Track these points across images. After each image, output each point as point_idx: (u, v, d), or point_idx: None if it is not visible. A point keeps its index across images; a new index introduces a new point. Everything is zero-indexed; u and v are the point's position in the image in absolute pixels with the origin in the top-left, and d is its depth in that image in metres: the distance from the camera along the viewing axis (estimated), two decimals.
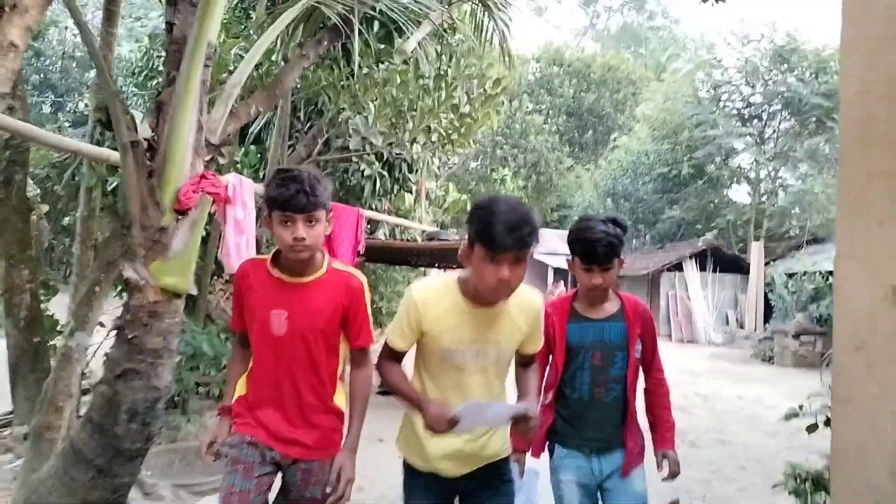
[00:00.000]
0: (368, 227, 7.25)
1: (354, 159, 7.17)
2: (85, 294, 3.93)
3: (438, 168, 10.67)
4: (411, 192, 9.44)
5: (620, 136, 21.31)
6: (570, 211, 25.16)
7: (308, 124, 7.72)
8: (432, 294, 1.95)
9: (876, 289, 2.16)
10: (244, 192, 3.85)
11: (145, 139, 2.95)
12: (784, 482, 3.44)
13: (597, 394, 2.41)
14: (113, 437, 2.91)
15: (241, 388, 2.22)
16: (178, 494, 4.37)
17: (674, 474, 2.41)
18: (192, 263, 3.08)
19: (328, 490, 2.04)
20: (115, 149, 3.17)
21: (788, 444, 6.48)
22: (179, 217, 2.97)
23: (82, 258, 4.23)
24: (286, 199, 1.96)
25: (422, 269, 10.26)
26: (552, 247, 24.39)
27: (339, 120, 6.61)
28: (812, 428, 3.33)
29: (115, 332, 3.00)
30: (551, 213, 22.18)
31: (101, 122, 4.04)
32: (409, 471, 2.09)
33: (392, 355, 2.04)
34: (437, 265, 9.25)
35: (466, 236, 1.89)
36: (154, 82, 7.02)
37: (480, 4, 5.80)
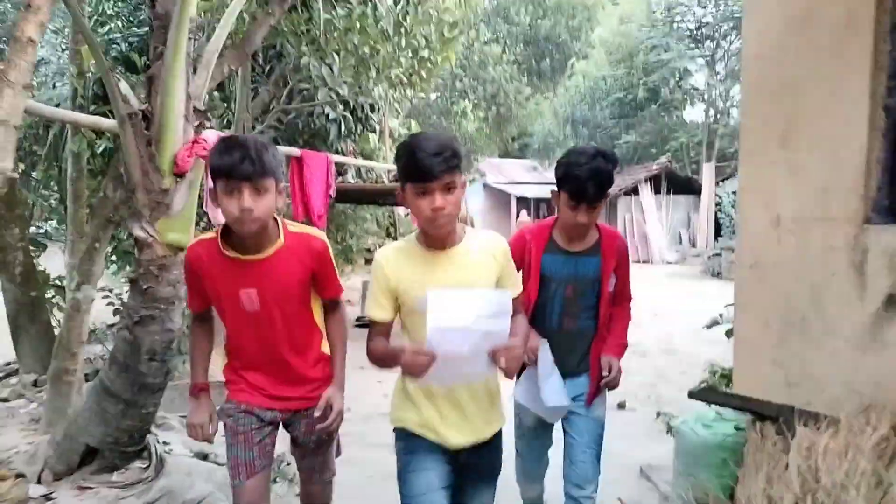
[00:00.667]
0: (336, 169, 7.57)
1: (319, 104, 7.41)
2: (86, 251, 4.26)
3: (399, 105, 10.88)
4: (375, 132, 9.71)
5: (577, 62, 21.49)
6: (531, 139, 25.50)
7: (269, 68, 7.86)
8: (393, 252, 1.92)
9: (766, 216, 2.71)
10: (208, 140, 4.18)
11: (140, 110, 3.25)
12: (706, 378, 4.12)
13: (566, 323, 2.42)
14: (137, 375, 3.36)
15: (226, 357, 2.19)
16: (184, 424, 4.89)
17: (613, 384, 2.38)
18: (192, 220, 3.45)
19: (317, 417, 2.04)
20: (103, 115, 3.45)
21: (724, 348, 7.30)
22: (178, 179, 3.33)
23: (76, 217, 4.52)
24: (230, 167, 1.83)
25: (389, 206, 10.64)
26: (513, 176, 24.89)
27: (301, 65, 6.81)
28: (729, 333, 3.96)
29: (130, 283, 3.40)
30: (512, 143, 22.53)
31: (97, 94, 4.24)
32: (405, 437, 1.98)
33: (376, 332, 1.95)
34: (396, 202, 9.67)
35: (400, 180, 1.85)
36: (105, 28, 6.99)
37: None
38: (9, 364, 6.18)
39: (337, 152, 8.08)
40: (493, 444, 2.02)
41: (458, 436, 1.91)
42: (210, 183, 4.04)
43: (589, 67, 22.20)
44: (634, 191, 20.16)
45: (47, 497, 3.15)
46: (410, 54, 6.31)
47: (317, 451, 2.27)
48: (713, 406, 2.92)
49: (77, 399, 4.32)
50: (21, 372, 5.67)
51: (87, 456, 3.47)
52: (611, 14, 22.58)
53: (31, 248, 5.74)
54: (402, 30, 6.01)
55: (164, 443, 3.73)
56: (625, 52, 21.21)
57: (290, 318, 2.08)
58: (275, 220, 2.04)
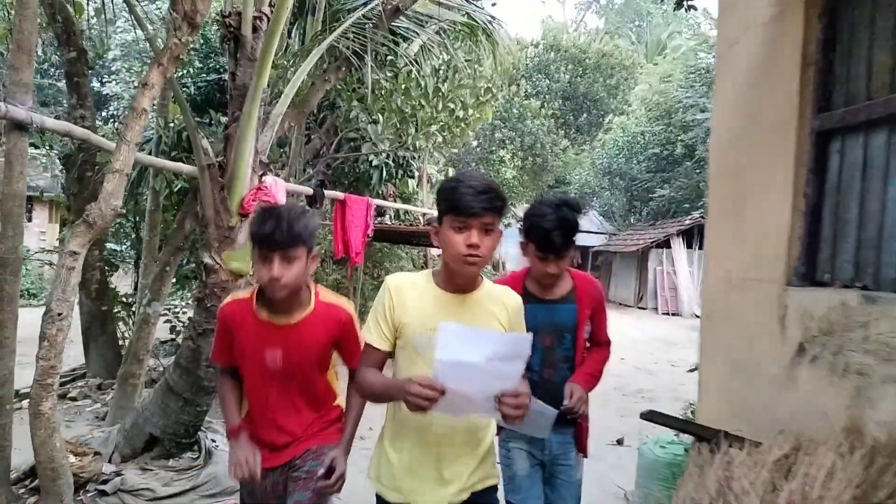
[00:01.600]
0: (376, 211, 8.32)
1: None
2: (158, 273, 5.03)
3: (439, 152, 11.69)
4: (413, 178, 10.49)
5: (613, 118, 22.18)
6: (568, 188, 26.13)
7: (321, 117, 8.75)
8: (406, 281, 1.88)
9: (720, 275, 3.26)
10: (279, 190, 4.92)
11: (217, 161, 4.02)
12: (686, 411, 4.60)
13: (546, 374, 2.40)
14: (196, 378, 4.04)
15: (243, 410, 2.21)
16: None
17: (575, 412, 2.30)
18: (250, 253, 4.17)
19: (320, 475, 2.02)
20: (180, 160, 4.21)
21: None
22: (242, 218, 4.06)
23: (150, 243, 5.31)
24: (263, 236, 1.93)
25: (423, 247, 11.35)
26: None
27: (350, 118, 7.65)
28: (693, 370, 4.45)
29: (196, 301, 4.12)
30: (548, 191, 23.16)
31: (182, 146, 5.08)
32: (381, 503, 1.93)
33: (370, 360, 1.88)
34: (432, 243, 10.37)
35: (437, 215, 1.82)
36: (178, 73, 7.99)
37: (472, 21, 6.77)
38: (74, 370, 6.98)
39: (378, 195, 8.85)
40: None
41: (430, 495, 1.82)
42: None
43: (628, 122, 22.86)
44: (666, 244, 20.46)
45: (117, 473, 3.81)
46: (447, 115, 7.07)
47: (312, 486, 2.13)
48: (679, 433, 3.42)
49: (137, 400, 5.04)
50: (88, 376, 6.46)
51: (149, 444, 4.14)
52: (651, 73, 23.28)
53: (106, 267, 6.59)
54: (440, 94, 6.77)
55: (212, 440, 4.37)
56: (663, 110, 21.79)
57: (307, 378, 2.14)
58: (307, 286, 2.10)
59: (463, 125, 7.21)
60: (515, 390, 1.60)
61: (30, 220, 16.73)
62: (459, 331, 1.57)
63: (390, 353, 1.87)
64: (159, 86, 3.28)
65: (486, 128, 16.09)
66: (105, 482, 3.69)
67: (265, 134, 4.31)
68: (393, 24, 5.50)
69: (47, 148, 8.24)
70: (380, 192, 9.21)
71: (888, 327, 2.18)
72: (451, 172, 12.74)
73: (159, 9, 10.02)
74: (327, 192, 6.39)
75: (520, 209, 23.14)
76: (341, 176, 8.56)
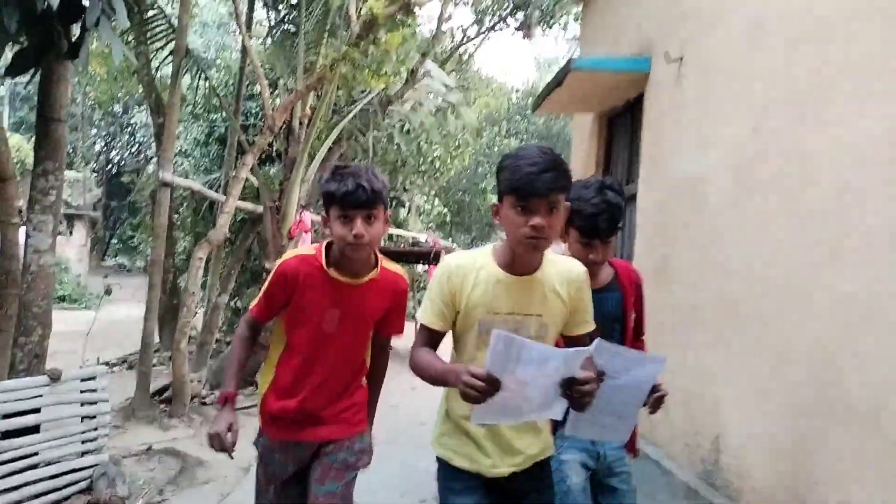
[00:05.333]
0: None
1: None
2: (225, 274, 7.49)
3: (426, 187, 14.28)
4: (404, 207, 13.04)
5: None
6: None
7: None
8: (465, 263, 1.78)
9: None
10: (307, 219, 7.42)
11: (276, 204, 6.50)
12: None
13: None
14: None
15: (267, 378, 2.15)
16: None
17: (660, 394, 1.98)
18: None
19: (351, 460, 2.06)
20: (247, 199, 6.66)
21: None
22: (289, 239, 6.53)
23: (218, 254, 7.78)
24: (344, 195, 1.87)
25: (409, 265, 13.86)
26: None
27: (355, 160, 10.22)
28: None
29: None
30: None
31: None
32: (448, 471, 1.87)
33: (425, 341, 1.82)
34: (418, 262, 12.88)
35: (497, 193, 1.74)
36: (214, 116, 10.43)
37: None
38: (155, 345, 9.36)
39: None
40: (541, 474, 1.90)
41: (497, 463, 1.81)
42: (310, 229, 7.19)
43: None
44: None
45: (210, 393, 6.22)
46: (428, 164, 9.64)
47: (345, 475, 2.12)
48: None
49: (208, 359, 7.46)
50: (161, 350, 8.88)
51: None
52: None
53: (176, 270, 9.06)
54: (421, 151, 9.36)
55: None
56: None
57: (356, 342, 2.10)
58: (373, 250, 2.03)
59: (442, 171, 9.78)
60: (585, 375, 1.52)
61: (71, 233, 19.20)
62: (512, 341, 1.44)
63: (445, 334, 1.83)
64: (250, 164, 5.78)
65: (471, 163, 18.67)
66: (205, 398, 6.10)
67: (303, 187, 6.82)
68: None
69: (89, 170, 10.72)
70: None
71: None
72: (437, 203, 15.29)
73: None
74: None
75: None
76: None
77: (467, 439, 1.83)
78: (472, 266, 1.77)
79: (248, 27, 6.94)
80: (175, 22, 6.02)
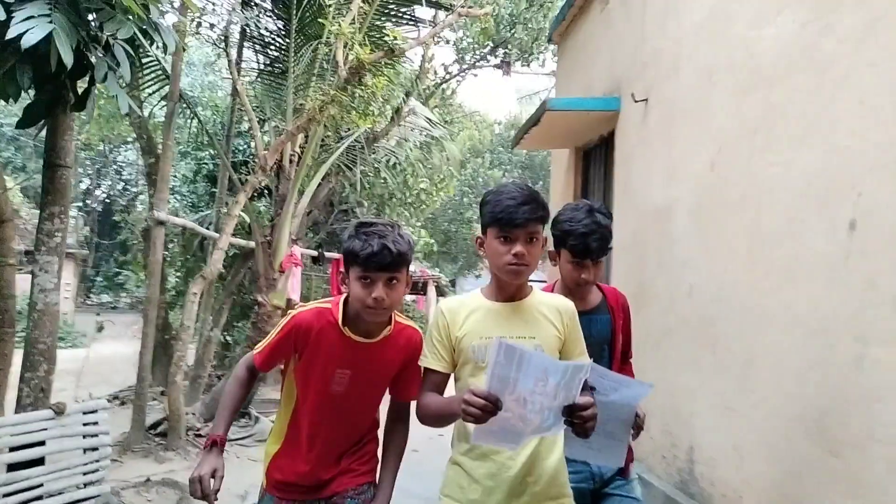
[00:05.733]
0: None
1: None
2: (217, 309, 7.64)
3: (414, 218, 14.55)
4: None
5: None
6: None
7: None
8: (456, 302, 1.89)
9: None
10: (298, 254, 7.62)
11: (267, 239, 6.70)
12: None
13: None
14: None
15: (276, 438, 2.08)
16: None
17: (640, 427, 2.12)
18: (285, 294, 6.82)
19: None
20: (237, 235, 6.87)
21: None
22: (280, 272, 6.72)
23: (210, 288, 7.94)
24: (368, 256, 1.78)
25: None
26: None
27: (344, 195, 10.46)
28: None
29: (252, 324, 6.74)
30: None
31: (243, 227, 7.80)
32: None
33: (430, 386, 1.85)
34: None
35: (481, 227, 1.84)
36: (202, 153, 10.66)
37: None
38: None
39: None
40: None
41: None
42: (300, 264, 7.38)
43: None
44: None
45: (205, 426, 6.33)
46: (414, 196, 9.92)
47: None
48: None
49: (201, 392, 7.57)
50: (153, 385, 8.95)
51: None
52: None
53: (167, 306, 9.18)
54: (407, 185, 9.64)
55: (256, 412, 6.90)
56: None
57: (365, 403, 2.04)
58: None
59: (428, 203, 10.06)
60: (585, 401, 1.52)
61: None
62: (513, 350, 1.45)
63: (448, 376, 1.85)
64: (243, 202, 6.00)
65: (456, 194, 19.02)
66: (199, 430, 6.22)
67: (294, 222, 7.04)
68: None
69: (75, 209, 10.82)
70: None
71: None
72: (424, 234, 15.55)
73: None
74: (327, 254, 9.07)
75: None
76: (337, 239, 11.30)
77: (475, 482, 1.80)
78: (463, 304, 1.87)
79: (238, 71, 7.22)
80: (168, 69, 6.29)
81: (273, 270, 6.65)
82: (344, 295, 1.97)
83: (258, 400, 7.11)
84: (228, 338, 8.74)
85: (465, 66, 13.14)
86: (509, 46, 12.07)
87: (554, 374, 1.47)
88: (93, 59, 3.27)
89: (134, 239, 11.52)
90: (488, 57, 12.84)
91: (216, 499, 1.86)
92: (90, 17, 3.32)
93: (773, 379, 2.94)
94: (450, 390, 1.87)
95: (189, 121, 6.84)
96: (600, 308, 2.28)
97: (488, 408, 1.49)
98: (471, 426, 1.62)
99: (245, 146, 10.05)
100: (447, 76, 12.94)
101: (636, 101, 4.34)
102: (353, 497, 2.01)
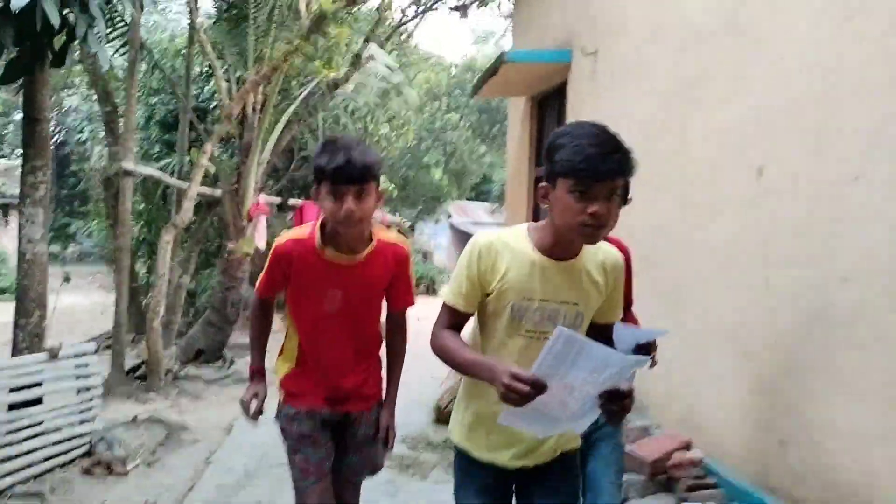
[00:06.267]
0: None
1: None
2: (185, 257, 7.83)
3: None
4: None
5: None
6: (492, 185, 29.31)
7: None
8: (499, 241, 1.63)
9: None
10: (262, 201, 7.80)
11: (234, 187, 6.87)
12: None
13: None
14: (225, 315, 6.92)
15: (283, 366, 2.18)
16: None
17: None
18: (254, 241, 7.04)
19: (380, 443, 2.16)
20: (208, 185, 7.06)
21: None
22: (248, 220, 6.93)
23: (176, 237, 8.08)
24: (334, 170, 1.80)
25: None
26: (477, 216, 28.58)
27: (303, 142, 10.54)
28: None
29: (222, 270, 6.99)
30: (471, 192, 26.31)
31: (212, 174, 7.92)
32: (463, 459, 1.79)
33: (449, 322, 1.70)
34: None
35: (545, 173, 1.55)
36: (154, 99, 10.49)
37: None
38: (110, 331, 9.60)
39: None
40: (567, 465, 1.78)
41: (514, 457, 1.70)
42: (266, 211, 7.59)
43: None
44: None
45: (181, 367, 6.64)
46: (374, 142, 10.08)
47: (367, 449, 2.20)
48: None
49: (174, 337, 7.84)
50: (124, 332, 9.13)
51: (196, 354, 6.98)
52: None
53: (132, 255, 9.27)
54: (367, 130, 9.79)
55: (232, 357, 7.23)
56: None
57: (361, 318, 2.09)
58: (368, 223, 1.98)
59: (387, 148, 10.25)
60: (629, 388, 1.42)
61: (7, 223, 18.65)
62: (574, 341, 1.33)
63: (469, 317, 1.72)
64: (209, 152, 6.15)
65: (414, 139, 19.12)
66: (177, 372, 6.53)
67: (259, 171, 7.21)
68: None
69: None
70: None
71: None
72: (383, 179, 15.73)
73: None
74: (289, 200, 9.22)
75: (448, 206, 26.15)
76: (297, 187, 11.40)
77: (490, 432, 1.71)
78: (506, 246, 1.62)
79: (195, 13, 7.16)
80: (127, 17, 6.25)
81: (241, 219, 6.86)
82: (321, 219, 2.00)
83: (231, 344, 7.44)
84: (194, 285, 8.94)
85: (421, 7, 13.06)
86: None
87: (613, 365, 1.38)
88: (71, 18, 3.40)
89: (92, 188, 11.37)
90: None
91: (261, 412, 2.14)
92: None
93: (698, 299, 3.45)
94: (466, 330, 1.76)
95: (150, 68, 6.82)
96: None
97: (532, 394, 1.36)
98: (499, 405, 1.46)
99: (198, 91, 9.90)
100: (404, 18, 12.87)
101: (585, 55, 4.66)
102: (366, 421, 2.16)
